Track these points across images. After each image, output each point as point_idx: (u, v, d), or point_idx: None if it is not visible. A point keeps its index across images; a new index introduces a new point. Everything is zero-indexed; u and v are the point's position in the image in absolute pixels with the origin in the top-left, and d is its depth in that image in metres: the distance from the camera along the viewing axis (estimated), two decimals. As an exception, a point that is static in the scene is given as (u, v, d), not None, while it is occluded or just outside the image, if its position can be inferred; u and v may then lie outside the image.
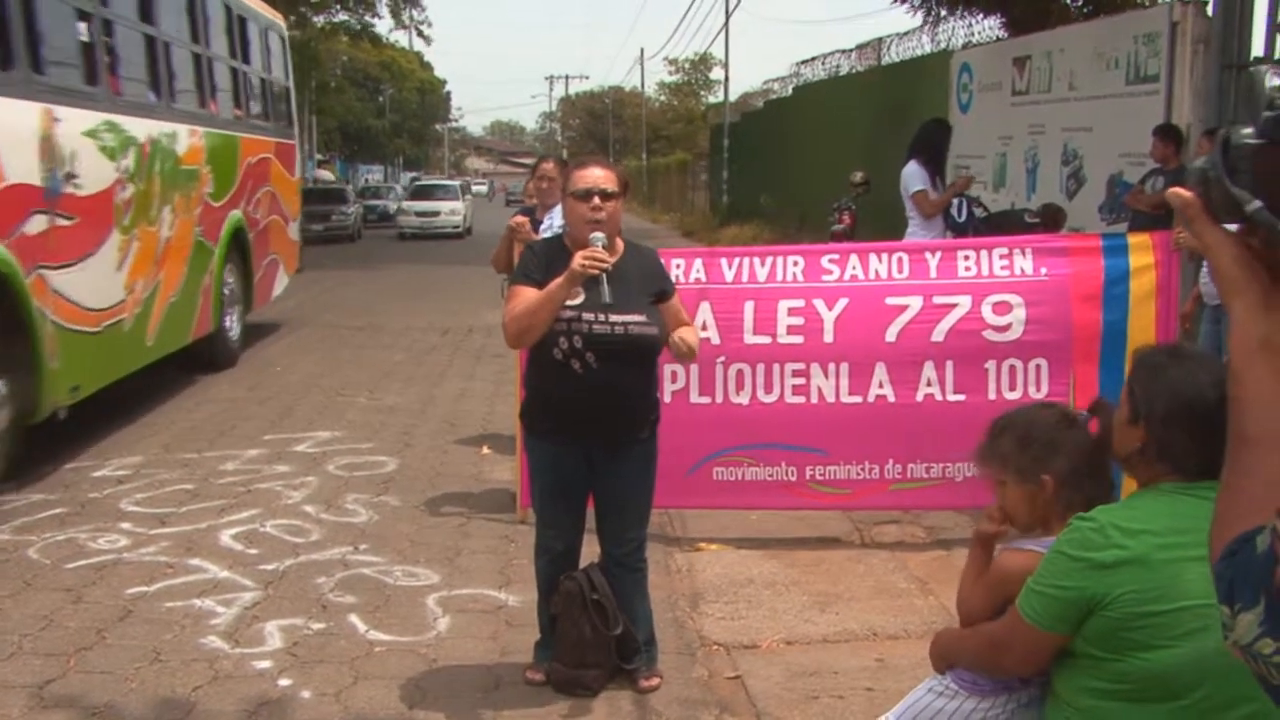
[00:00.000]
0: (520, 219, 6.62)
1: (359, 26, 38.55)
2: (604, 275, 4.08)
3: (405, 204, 37.73)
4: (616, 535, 4.52)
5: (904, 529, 6.53)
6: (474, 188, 62.86)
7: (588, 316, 4.18)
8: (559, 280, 4.10)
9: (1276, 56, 9.75)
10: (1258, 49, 9.98)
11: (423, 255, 27.85)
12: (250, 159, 12.49)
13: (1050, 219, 9.66)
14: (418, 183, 43.97)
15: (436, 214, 36.00)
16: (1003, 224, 9.57)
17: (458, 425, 9.21)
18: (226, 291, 11.64)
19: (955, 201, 9.29)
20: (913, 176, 9.10)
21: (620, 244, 4.36)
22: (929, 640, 3.02)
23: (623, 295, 4.17)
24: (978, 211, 9.60)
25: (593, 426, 4.31)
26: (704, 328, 5.94)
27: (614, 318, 4.18)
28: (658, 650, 4.69)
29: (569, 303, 4.16)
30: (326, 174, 42.31)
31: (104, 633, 5.03)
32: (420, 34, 39.60)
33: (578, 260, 4.07)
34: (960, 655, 2.86)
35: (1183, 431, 2.48)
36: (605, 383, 4.22)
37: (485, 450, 8.35)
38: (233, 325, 11.98)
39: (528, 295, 4.20)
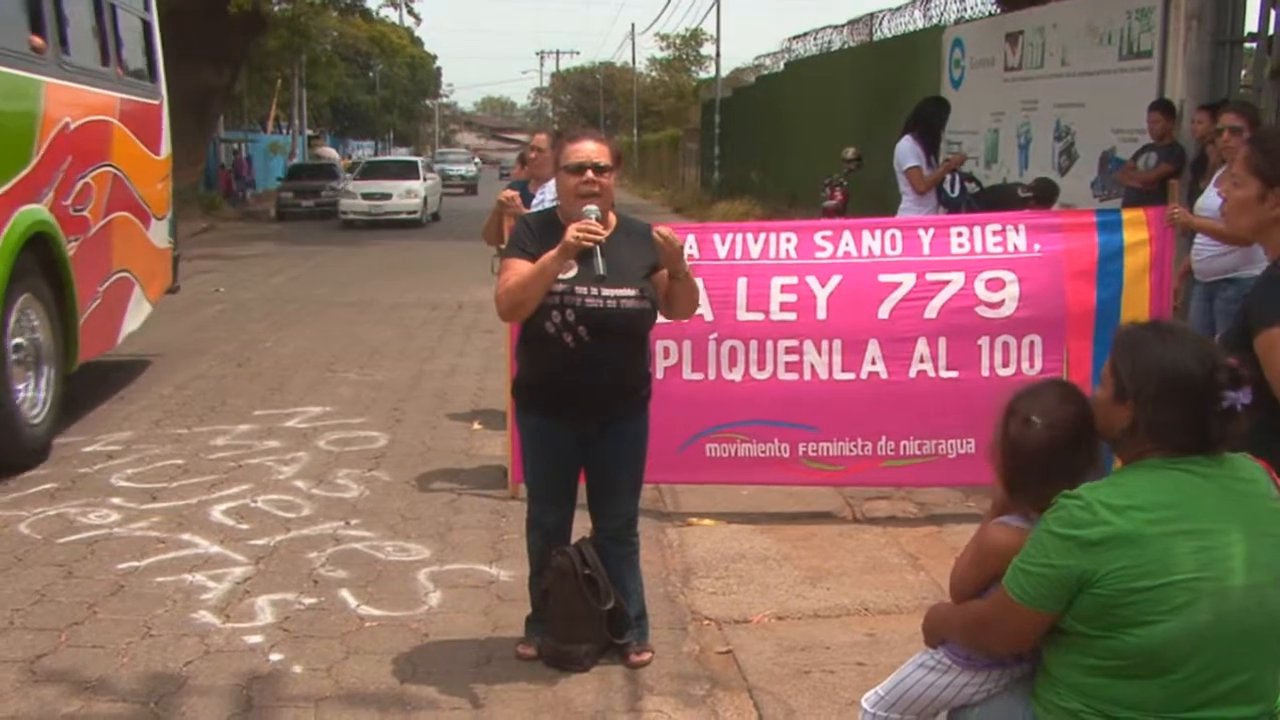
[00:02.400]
0: (510, 193, 6.59)
1: (349, 1, 38.26)
2: (598, 247, 4.07)
3: (351, 185, 31.09)
4: (608, 510, 4.51)
5: (896, 504, 6.54)
6: (461, 166, 55.50)
7: (580, 290, 4.16)
8: (552, 253, 4.08)
9: (1270, 32, 9.73)
10: (1251, 24, 9.97)
11: (412, 231, 27.79)
12: (67, 121, 7.85)
13: (1043, 193, 9.65)
14: (368, 160, 37.33)
15: (387, 197, 29.68)
16: (996, 199, 9.57)
17: (448, 401, 9.20)
18: (17, 345, 7.19)
19: (949, 177, 9.29)
20: (906, 153, 9.10)
21: (613, 218, 4.34)
22: (920, 615, 3.02)
23: (615, 269, 4.15)
24: (970, 187, 9.60)
25: (584, 401, 4.30)
26: (697, 304, 5.93)
27: (606, 292, 4.16)
28: (649, 625, 4.69)
29: (561, 276, 4.14)
30: (331, 152, 41.74)
31: (95, 608, 5.02)
32: (410, 11, 39.32)
33: (571, 232, 4.06)
34: (949, 631, 2.86)
35: (1174, 408, 2.48)
36: (597, 357, 4.21)
37: (476, 426, 8.35)
38: (38, 398, 7.49)
39: (521, 268, 4.18)
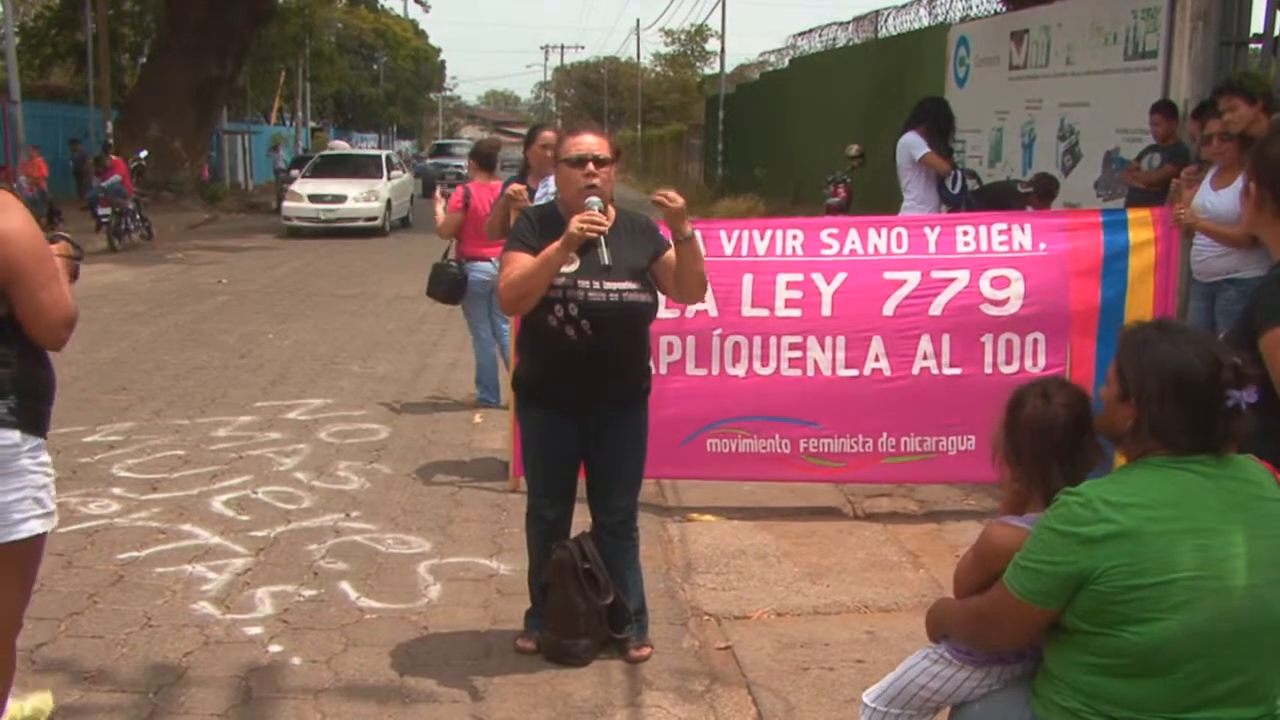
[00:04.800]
0: (518, 186, 6.58)
1: None
2: (601, 239, 4.08)
3: (296, 184, 25.64)
4: (608, 504, 4.52)
5: (896, 502, 6.53)
6: (462, 160, 45.76)
7: (583, 284, 4.16)
8: (556, 245, 4.09)
9: (1276, 33, 9.72)
10: (1257, 25, 9.96)
11: (415, 224, 27.62)
12: None
13: (1043, 189, 9.63)
14: (322, 154, 30.92)
15: (340, 199, 24.46)
16: (996, 196, 9.56)
17: (450, 394, 9.20)
18: None
19: (951, 173, 9.28)
20: (916, 143, 9.06)
21: (613, 211, 4.34)
22: (920, 613, 3.02)
23: (617, 262, 4.16)
24: (971, 184, 9.59)
25: (586, 394, 4.30)
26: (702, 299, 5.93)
27: (609, 285, 4.17)
28: (649, 620, 4.69)
29: (564, 270, 4.14)
30: (343, 144, 41.41)
31: (95, 598, 5.02)
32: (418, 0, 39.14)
33: (575, 224, 4.06)
34: (951, 625, 2.86)
35: (1175, 408, 2.47)
36: (599, 350, 4.21)
37: (477, 419, 8.35)
38: None
39: (524, 261, 4.18)
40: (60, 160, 27.67)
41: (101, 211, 20.22)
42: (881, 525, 6.18)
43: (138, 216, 21.23)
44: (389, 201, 25.62)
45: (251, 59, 36.13)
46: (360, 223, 24.46)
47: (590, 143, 4.26)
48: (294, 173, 27.91)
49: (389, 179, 26.39)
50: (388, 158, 28.91)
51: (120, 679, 4.29)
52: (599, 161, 4.22)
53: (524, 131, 9.46)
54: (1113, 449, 2.77)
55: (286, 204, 24.96)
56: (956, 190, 9.28)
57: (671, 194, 4.17)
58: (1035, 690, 2.68)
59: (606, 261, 4.07)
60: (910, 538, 5.98)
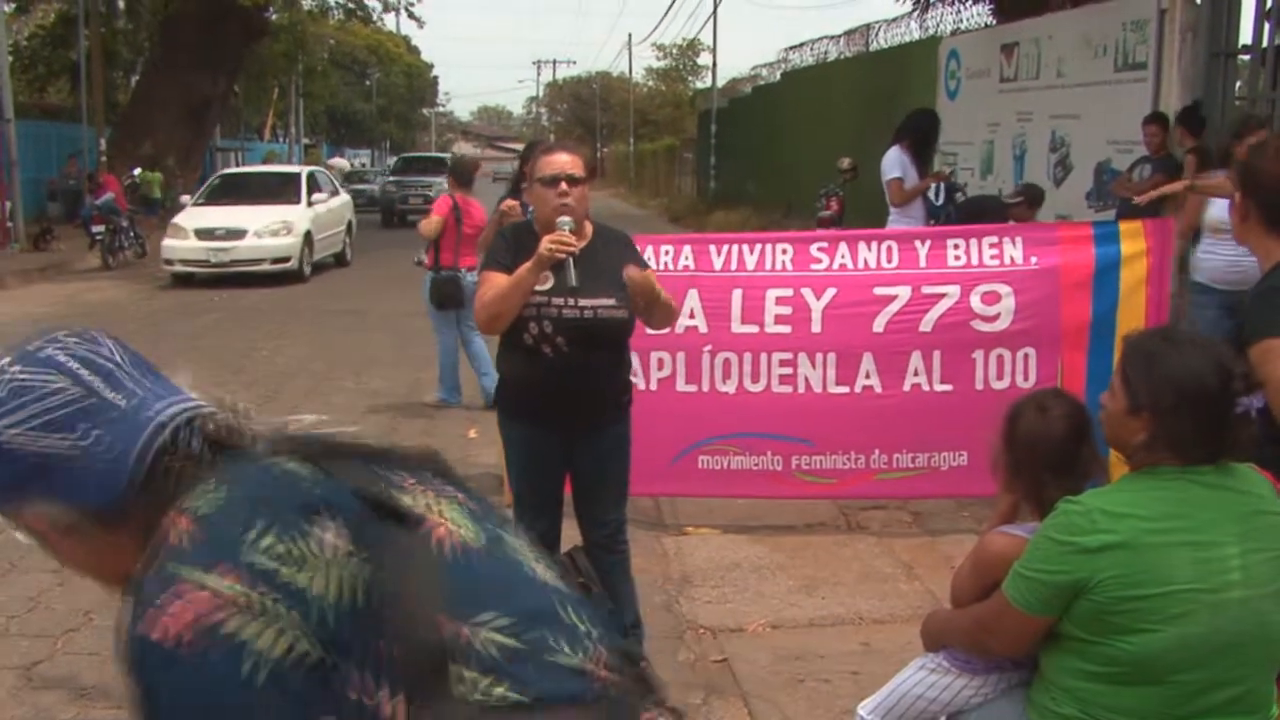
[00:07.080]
0: (511, 202, 6.60)
1: (351, 6, 38.21)
2: (570, 259, 4.09)
3: (181, 215, 19.16)
4: (596, 518, 4.51)
5: (890, 515, 6.54)
6: (430, 178, 31.32)
7: (557, 301, 4.18)
8: (527, 265, 4.10)
9: (1264, 45, 9.78)
10: (1246, 37, 10.02)
11: (410, 239, 27.57)
12: None
13: (1031, 197, 9.63)
14: (221, 173, 23.58)
15: (238, 235, 18.11)
16: (982, 207, 9.56)
17: (445, 409, 9.20)
18: None
19: (934, 184, 9.30)
20: (891, 163, 9.08)
21: (589, 228, 4.36)
22: (915, 625, 3.03)
23: (591, 279, 4.16)
24: (957, 196, 9.61)
25: (566, 409, 4.30)
26: (691, 315, 5.94)
27: (583, 302, 4.18)
28: (644, 633, 4.69)
29: (538, 289, 4.16)
30: (342, 161, 41.16)
31: (91, 614, 5.02)
32: (411, 14, 39.17)
33: (544, 245, 4.08)
34: (950, 636, 2.87)
35: (1190, 420, 2.46)
36: (576, 366, 4.21)
37: (472, 433, 8.35)
38: None
39: (498, 281, 4.20)
40: (36, 179, 27.19)
41: (95, 229, 20.22)
42: (876, 538, 6.20)
43: (131, 234, 21.23)
44: (308, 234, 19.06)
45: (245, 75, 36.18)
46: (265, 265, 18.20)
47: (563, 161, 4.27)
48: (184, 199, 21.56)
49: (310, 204, 19.67)
50: (310, 176, 21.17)
51: (117, 695, 4.27)
52: (572, 180, 4.24)
53: (517, 147, 9.68)
54: (1106, 453, 2.78)
55: (167, 242, 18.36)
56: (939, 202, 9.32)
57: (637, 276, 4.18)
58: (1030, 697, 2.69)
59: (574, 283, 4.07)
60: (904, 550, 6.00)
